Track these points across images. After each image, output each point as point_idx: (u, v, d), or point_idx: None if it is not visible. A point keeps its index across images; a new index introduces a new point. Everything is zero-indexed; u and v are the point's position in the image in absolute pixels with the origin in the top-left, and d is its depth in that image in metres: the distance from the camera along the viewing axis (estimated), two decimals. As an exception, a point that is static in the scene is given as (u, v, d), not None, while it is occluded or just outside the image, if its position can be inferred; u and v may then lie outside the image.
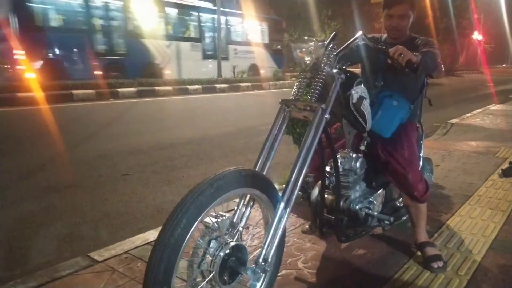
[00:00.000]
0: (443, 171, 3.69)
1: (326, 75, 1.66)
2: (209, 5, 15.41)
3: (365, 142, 1.95)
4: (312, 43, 1.65)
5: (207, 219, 1.35)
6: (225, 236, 1.40)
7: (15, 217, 2.89)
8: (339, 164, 1.86)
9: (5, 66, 10.63)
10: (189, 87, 12.88)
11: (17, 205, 3.11)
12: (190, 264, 1.35)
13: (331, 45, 1.70)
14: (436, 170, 3.66)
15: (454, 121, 6.63)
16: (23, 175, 3.89)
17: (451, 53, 33.99)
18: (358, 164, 1.91)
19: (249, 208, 1.53)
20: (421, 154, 2.44)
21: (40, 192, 3.39)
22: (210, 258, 1.34)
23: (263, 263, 1.41)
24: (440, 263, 1.93)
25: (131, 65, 12.66)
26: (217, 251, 1.35)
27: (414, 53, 1.76)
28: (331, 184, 1.88)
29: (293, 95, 1.73)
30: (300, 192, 2.29)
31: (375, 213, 1.94)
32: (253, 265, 1.41)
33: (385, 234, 2.28)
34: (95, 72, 11.65)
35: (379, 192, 2.06)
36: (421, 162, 2.41)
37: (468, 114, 7.54)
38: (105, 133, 6.03)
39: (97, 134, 5.90)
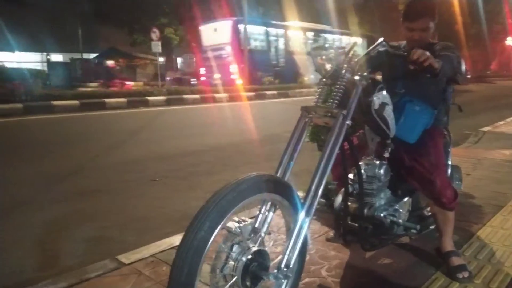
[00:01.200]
0: (474, 180, 3.58)
1: (347, 81, 1.67)
2: (329, 27, 21.89)
3: (389, 148, 1.93)
4: (332, 50, 1.68)
5: (229, 224, 1.36)
6: (247, 241, 1.41)
7: (48, 219, 3.00)
8: (362, 171, 1.84)
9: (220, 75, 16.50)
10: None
11: (50, 208, 3.24)
12: (213, 269, 1.36)
13: (351, 52, 1.71)
14: (467, 179, 3.55)
15: (486, 129, 6.41)
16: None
17: (483, 59, 32.97)
18: (382, 171, 1.89)
19: (271, 214, 1.53)
20: (449, 162, 2.38)
21: (71, 196, 3.52)
22: (233, 263, 1.35)
23: (285, 269, 1.41)
24: (466, 274, 1.88)
25: (286, 73, 18.03)
26: (240, 256, 1.36)
27: (436, 60, 1.74)
28: (354, 192, 1.86)
29: (314, 102, 1.74)
30: (323, 200, 2.27)
31: (400, 220, 1.90)
32: (275, 271, 1.41)
33: (412, 244, 2.22)
34: (270, 78, 17.43)
35: (405, 200, 2.01)
36: (449, 170, 2.35)
37: (501, 122, 7.27)
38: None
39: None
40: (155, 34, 15.90)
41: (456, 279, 1.86)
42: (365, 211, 1.86)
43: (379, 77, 2.07)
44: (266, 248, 1.46)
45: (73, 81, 20.45)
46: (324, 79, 1.75)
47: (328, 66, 1.70)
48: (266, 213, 1.52)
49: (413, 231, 1.99)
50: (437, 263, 2.03)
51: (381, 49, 1.82)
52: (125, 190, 3.71)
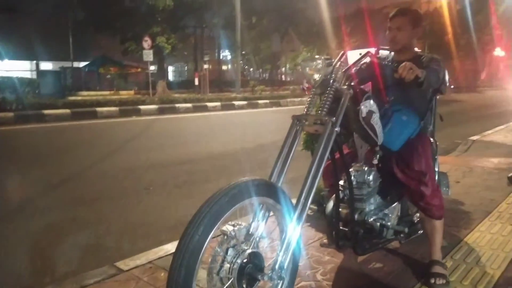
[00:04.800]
0: (464, 187, 3.67)
1: (335, 90, 1.74)
2: None
3: (378, 155, 1.99)
4: (319, 61, 1.76)
5: (225, 228, 1.41)
6: (242, 244, 1.45)
7: (44, 226, 3.02)
8: (352, 177, 1.90)
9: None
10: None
11: (47, 215, 3.25)
12: (209, 272, 1.40)
13: (339, 63, 1.78)
14: (457, 186, 3.65)
15: (475, 137, 6.55)
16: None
17: (472, 69, 33.57)
18: (371, 177, 1.95)
19: (265, 218, 1.59)
20: (436, 169, 2.42)
21: (68, 203, 3.53)
22: (228, 265, 1.39)
23: (279, 270, 1.47)
24: (443, 281, 1.90)
25: None
26: (235, 259, 1.41)
27: (421, 70, 1.81)
28: (345, 197, 1.92)
29: (304, 111, 1.81)
30: (315, 206, 2.31)
31: (390, 224, 1.96)
32: (270, 272, 1.46)
33: (403, 248, 2.29)
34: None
35: (394, 205, 2.07)
36: (436, 177, 2.40)
37: (490, 131, 7.42)
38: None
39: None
40: (147, 42, 16.00)
41: (429, 284, 1.90)
42: (356, 216, 1.91)
43: (367, 86, 2.15)
44: (261, 251, 1.52)
45: (64, 90, 20.38)
46: (314, 89, 1.83)
47: (317, 76, 1.77)
48: (261, 217, 1.58)
49: (402, 235, 2.06)
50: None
51: (367, 60, 1.91)
52: (121, 198, 3.74)
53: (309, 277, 2.00)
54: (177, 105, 12.32)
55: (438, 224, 2.03)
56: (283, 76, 41.13)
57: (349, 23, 32.07)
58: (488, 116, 11.37)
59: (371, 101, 1.81)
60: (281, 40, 33.07)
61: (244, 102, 14.15)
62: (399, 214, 2.12)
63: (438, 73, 1.94)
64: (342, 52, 1.84)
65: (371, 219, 1.92)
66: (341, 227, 1.92)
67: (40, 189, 4.02)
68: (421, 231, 2.19)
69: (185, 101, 12.91)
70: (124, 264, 2.14)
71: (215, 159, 5.37)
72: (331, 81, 1.75)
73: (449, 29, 28.18)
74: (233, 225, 1.44)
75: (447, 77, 2.17)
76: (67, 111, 10.07)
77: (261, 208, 1.58)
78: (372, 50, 1.95)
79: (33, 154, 5.80)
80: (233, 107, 13.50)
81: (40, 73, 22.28)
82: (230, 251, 1.41)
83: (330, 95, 1.72)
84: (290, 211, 1.55)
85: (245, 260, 1.41)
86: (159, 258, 2.22)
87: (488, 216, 2.87)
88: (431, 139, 2.30)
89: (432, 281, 1.90)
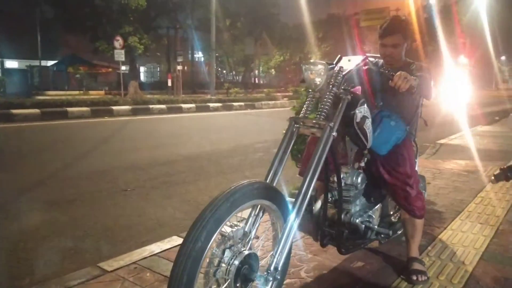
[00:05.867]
0: (435, 188, 3.83)
1: (334, 95, 1.79)
2: None
3: (365, 158, 2.05)
4: (322, 66, 1.78)
5: (223, 229, 1.41)
6: (238, 245, 1.47)
7: (19, 229, 2.94)
8: (341, 179, 1.94)
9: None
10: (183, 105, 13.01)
11: (20, 218, 3.17)
12: (206, 274, 1.40)
13: (338, 68, 1.84)
14: (428, 187, 3.79)
15: (442, 141, 6.83)
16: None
17: (438, 74, 34.79)
18: (359, 179, 2.01)
19: (259, 218, 1.61)
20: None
21: (42, 206, 3.44)
22: (225, 267, 1.41)
23: (274, 271, 1.49)
24: (424, 277, 1.99)
25: None
26: (232, 260, 1.42)
27: (414, 77, 1.88)
28: (332, 198, 1.98)
29: (302, 113, 1.84)
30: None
31: (375, 226, 2.04)
32: (265, 273, 1.48)
33: (382, 247, 2.38)
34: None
35: (377, 206, 2.16)
36: None
37: (456, 135, 7.75)
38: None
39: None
40: (118, 42, 15.70)
41: (409, 279, 2.00)
42: (342, 217, 1.97)
43: (356, 90, 2.18)
44: (256, 251, 1.55)
45: (31, 89, 19.70)
46: (313, 93, 1.88)
47: (318, 80, 1.80)
48: (255, 217, 1.61)
49: (383, 236, 2.15)
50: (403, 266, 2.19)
51: (365, 67, 1.99)
52: (98, 200, 3.68)
53: (293, 274, 2.05)
54: (151, 106, 12.17)
55: (419, 224, 2.13)
56: (256, 79, 41.31)
57: (321, 29, 32.65)
58: (453, 121, 11.84)
59: (366, 106, 1.87)
60: (254, 44, 33.28)
61: (219, 104, 14.14)
62: (381, 214, 2.20)
63: (428, 81, 2.01)
64: (339, 56, 1.89)
65: (357, 221, 1.98)
66: (326, 227, 1.96)
67: (13, 191, 3.89)
68: (400, 231, 2.29)
69: (159, 102, 12.77)
70: (108, 265, 2.12)
71: (192, 161, 5.36)
72: (330, 86, 1.80)
73: (417, 36, 29.12)
74: (231, 227, 1.45)
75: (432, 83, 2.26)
76: (37, 110, 9.76)
77: (257, 209, 1.61)
78: (360, 58, 2.02)
79: (3, 155, 5.60)
80: (208, 109, 13.47)
81: (6, 71, 21.45)
82: (227, 253, 1.43)
83: (329, 100, 1.78)
84: (287, 213, 1.58)
85: (241, 261, 1.43)
86: (144, 258, 2.21)
87: (459, 215, 3.02)
88: (414, 143, 2.38)
89: (414, 278, 1.99)
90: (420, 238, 2.19)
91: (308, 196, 1.62)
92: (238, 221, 1.54)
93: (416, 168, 2.47)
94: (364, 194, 2.10)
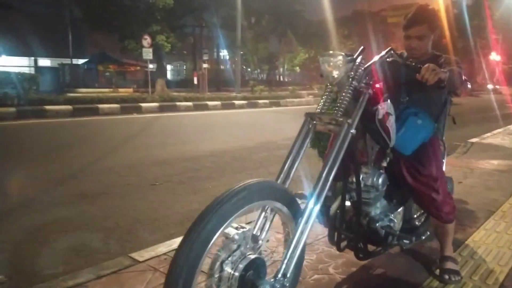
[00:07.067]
0: (466, 187, 3.73)
1: (353, 89, 1.65)
2: None
3: (388, 158, 1.91)
4: (341, 57, 1.63)
5: (228, 231, 1.31)
6: (244, 249, 1.35)
7: (52, 220, 3.04)
8: (361, 180, 1.81)
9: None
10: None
11: (53, 210, 3.27)
12: (210, 276, 1.31)
13: (359, 60, 1.68)
14: (459, 186, 3.71)
15: (474, 140, 6.63)
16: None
17: (469, 73, 33.83)
18: (380, 181, 1.86)
19: (269, 221, 1.50)
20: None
21: (74, 199, 3.55)
22: (230, 271, 1.31)
23: (282, 278, 1.37)
24: (457, 277, 1.93)
25: None
26: (237, 264, 1.32)
27: (443, 70, 1.73)
28: (351, 200, 1.83)
29: (318, 109, 1.71)
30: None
31: (396, 232, 1.90)
32: (272, 280, 1.37)
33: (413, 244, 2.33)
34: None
35: (399, 209, 2.00)
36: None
37: (488, 134, 7.51)
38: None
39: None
40: (146, 41, 15.97)
41: (441, 279, 1.94)
42: (361, 220, 1.83)
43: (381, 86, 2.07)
44: (264, 256, 1.42)
45: (62, 87, 20.32)
46: (331, 86, 1.73)
47: (336, 73, 1.65)
48: (265, 220, 1.50)
49: (406, 241, 1.97)
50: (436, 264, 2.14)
51: (390, 59, 1.86)
52: (127, 193, 3.76)
53: (322, 270, 2.05)
54: (177, 103, 12.34)
55: (450, 227, 2.02)
56: (281, 77, 41.21)
57: (346, 26, 32.24)
58: (486, 119, 11.48)
59: (389, 102, 1.74)
60: (279, 41, 33.17)
61: (244, 102, 14.19)
62: (403, 218, 2.05)
63: (460, 75, 1.87)
64: (362, 47, 1.73)
65: (377, 224, 1.84)
66: (344, 230, 1.86)
67: (45, 184, 4.03)
68: (424, 236, 2.17)
69: (186, 99, 12.94)
70: (139, 256, 2.17)
71: (217, 157, 5.41)
72: (350, 79, 1.65)
73: (446, 32, 28.37)
74: (236, 228, 1.33)
75: (464, 78, 2.10)
76: (69, 107, 10.07)
77: (266, 211, 1.50)
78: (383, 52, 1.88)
79: (36, 150, 5.81)
80: (233, 106, 13.54)
81: (38, 69, 22.21)
82: (233, 256, 1.32)
83: (348, 94, 1.63)
84: (298, 216, 1.46)
85: (247, 266, 1.32)
86: (173, 250, 2.24)
87: (493, 215, 2.92)
88: (441, 142, 2.24)
89: (446, 277, 1.94)
90: (452, 238, 2.11)
91: (323, 198, 1.48)
92: (247, 223, 1.43)
93: (444, 169, 2.30)
94: (385, 196, 1.95)
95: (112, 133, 7.67)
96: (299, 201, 1.55)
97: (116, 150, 5.79)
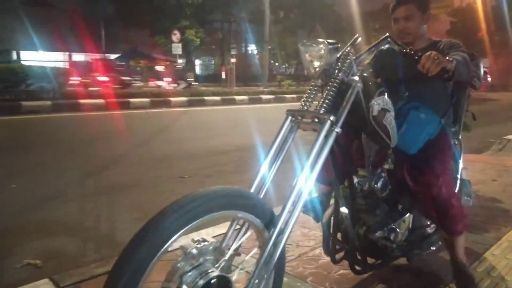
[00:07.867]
0: (501, 185, 3.60)
1: (340, 83, 1.42)
2: None
3: (389, 160, 1.71)
4: (322, 46, 1.41)
5: (185, 244, 1.14)
6: (207, 265, 1.14)
7: (83, 210, 3.16)
8: (357, 184, 1.66)
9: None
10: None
11: (85, 200, 3.40)
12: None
13: (348, 49, 1.47)
14: (493, 184, 3.60)
15: (510, 137, 6.37)
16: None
17: (506, 67, 32.41)
18: (379, 185, 1.67)
19: (240, 234, 1.30)
20: (458, 176, 2.05)
21: (105, 190, 3.68)
22: None
23: None
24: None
25: None
26: (195, 283, 1.09)
27: (448, 58, 1.51)
28: (345, 207, 1.61)
29: (301, 105, 1.49)
30: (311, 213, 1.87)
31: (399, 242, 1.69)
32: None
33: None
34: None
35: (404, 217, 1.76)
36: (457, 185, 2.04)
37: (526, 131, 7.21)
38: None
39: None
40: (175, 36, 16.20)
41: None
42: (357, 229, 1.64)
43: (379, 78, 1.81)
44: (231, 274, 1.20)
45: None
46: (314, 80, 1.51)
47: (317, 64, 1.44)
48: (235, 232, 1.31)
49: (413, 252, 1.82)
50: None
51: (385, 46, 1.64)
52: (156, 185, 3.86)
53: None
54: (206, 97, 12.48)
55: (461, 240, 1.78)
56: (308, 72, 40.81)
57: (377, 19, 31.52)
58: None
59: (385, 97, 1.50)
60: (308, 35, 32.88)
61: (271, 96, 14.19)
62: (409, 226, 1.81)
63: (467, 62, 1.62)
64: (356, 36, 1.50)
65: (375, 235, 1.62)
66: (339, 240, 1.70)
67: (79, 176, 4.18)
68: (434, 248, 1.95)
69: (214, 94, 13.06)
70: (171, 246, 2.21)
71: (244, 151, 5.44)
72: (336, 70, 1.43)
73: (482, 25, 27.30)
74: (196, 242, 1.15)
75: (481, 69, 1.92)
76: (101, 101, 10.36)
77: (240, 223, 1.30)
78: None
79: (70, 142, 6.03)
80: (260, 101, 13.56)
81: (74, 64, 22.98)
82: (191, 273, 1.10)
83: (333, 88, 1.40)
84: (270, 227, 1.25)
85: (207, 285, 1.09)
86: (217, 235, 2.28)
87: (527, 216, 2.81)
88: (455, 140, 1.99)
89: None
90: (463, 250, 1.83)
91: (300, 206, 1.26)
92: (214, 236, 1.29)
93: (460, 172, 2.07)
94: (388, 202, 1.72)
95: (143, 126, 7.85)
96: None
97: (146, 143, 5.93)
